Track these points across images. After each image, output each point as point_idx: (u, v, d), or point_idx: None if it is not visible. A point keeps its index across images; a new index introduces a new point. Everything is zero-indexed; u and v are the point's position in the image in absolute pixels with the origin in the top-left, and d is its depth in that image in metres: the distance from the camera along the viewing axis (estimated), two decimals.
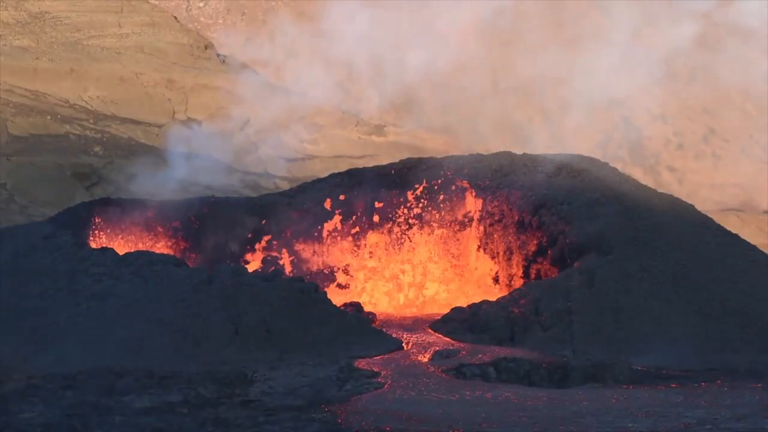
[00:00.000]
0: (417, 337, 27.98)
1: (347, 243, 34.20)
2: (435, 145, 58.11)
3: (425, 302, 32.79)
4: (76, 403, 21.43)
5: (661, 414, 19.62)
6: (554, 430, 18.41)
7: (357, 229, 34.28)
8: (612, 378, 24.88)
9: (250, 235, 34.25)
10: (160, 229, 33.70)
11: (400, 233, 34.24)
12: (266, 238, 34.19)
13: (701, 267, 29.37)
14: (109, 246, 30.62)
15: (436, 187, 34.35)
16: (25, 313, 26.48)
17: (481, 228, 33.62)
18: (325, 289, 30.93)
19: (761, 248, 32.56)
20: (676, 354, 26.38)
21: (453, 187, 34.18)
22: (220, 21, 73.53)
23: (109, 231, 32.94)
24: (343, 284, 33.80)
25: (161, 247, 33.20)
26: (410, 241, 34.14)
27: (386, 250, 34.22)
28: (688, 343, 27.03)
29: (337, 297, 31.80)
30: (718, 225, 32.25)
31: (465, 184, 34.15)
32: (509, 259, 32.73)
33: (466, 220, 33.97)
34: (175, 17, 68.54)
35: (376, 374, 23.89)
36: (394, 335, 27.81)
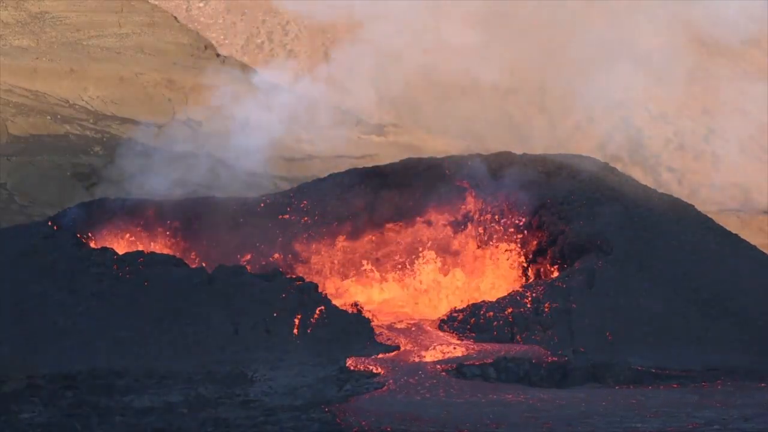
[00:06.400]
0: (417, 337, 27.99)
1: (347, 243, 34.17)
2: (435, 145, 58.06)
3: (425, 302, 32.77)
4: (76, 403, 21.46)
5: (670, 414, 19.66)
6: (564, 431, 18.43)
7: (356, 228, 34.23)
8: (612, 378, 24.91)
9: (250, 236, 34.20)
10: (160, 229, 33.66)
11: (399, 233, 34.21)
12: (266, 238, 34.13)
13: (701, 267, 29.38)
14: (109, 246, 30.59)
15: (436, 187, 34.31)
16: (25, 313, 26.48)
17: (481, 228, 33.61)
18: (325, 289, 30.92)
19: (761, 248, 32.57)
20: (676, 354, 26.39)
21: (453, 187, 34.15)
22: (220, 21, 73.54)
23: (109, 231, 32.90)
24: (343, 284, 33.78)
25: (161, 247, 33.16)
26: (410, 241, 34.11)
27: (386, 250, 34.19)
28: (688, 343, 27.04)
29: (337, 297, 31.78)
30: (718, 225, 32.26)
31: (465, 184, 34.14)
32: (509, 259, 32.75)
33: (466, 220, 33.95)
34: (175, 17, 68.50)
35: (376, 374, 23.91)
36: (393, 335, 27.80)
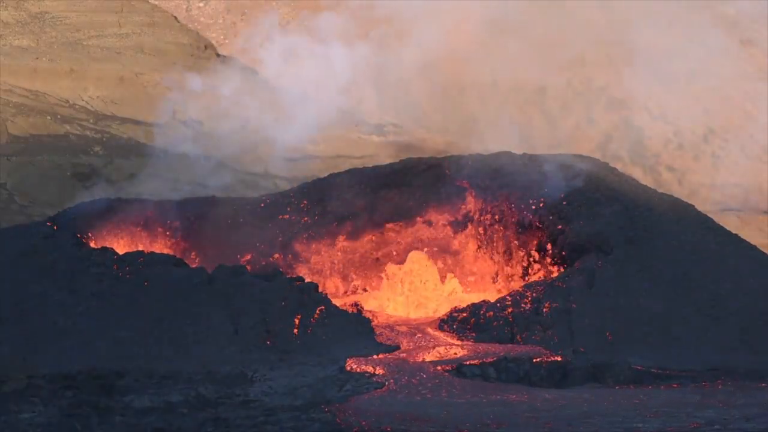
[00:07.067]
0: (417, 337, 27.99)
1: (347, 243, 34.18)
2: (435, 145, 58.07)
3: (425, 302, 32.75)
4: (76, 403, 21.46)
5: (670, 414, 19.65)
6: (565, 431, 18.42)
7: (356, 228, 34.24)
8: (612, 378, 24.91)
9: (250, 236, 34.21)
10: (160, 229, 33.67)
11: (399, 233, 34.22)
12: (266, 238, 34.14)
13: (701, 267, 29.37)
14: (109, 246, 30.60)
15: (435, 187, 34.32)
16: (25, 313, 26.47)
17: (481, 228, 33.61)
18: (325, 289, 30.91)
19: (761, 248, 32.56)
20: (676, 354, 26.40)
21: (453, 187, 34.15)
22: (220, 21, 73.57)
23: (109, 231, 32.90)
24: (343, 284, 33.79)
25: (161, 247, 33.17)
26: (410, 241, 34.11)
27: (386, 249, 34.19)
28: (688, 343, 27.04)
29: (337, 296, 31.78)
30: (718, 225, 32.25)
31: (465, 184, 34.14)
32: (509, 259, 32.74)
33: (466, 220, 33.95)
34: (175, 17, 68.51)
35: (376, 374, 23.90)
36: (394, 335, 27.80)
